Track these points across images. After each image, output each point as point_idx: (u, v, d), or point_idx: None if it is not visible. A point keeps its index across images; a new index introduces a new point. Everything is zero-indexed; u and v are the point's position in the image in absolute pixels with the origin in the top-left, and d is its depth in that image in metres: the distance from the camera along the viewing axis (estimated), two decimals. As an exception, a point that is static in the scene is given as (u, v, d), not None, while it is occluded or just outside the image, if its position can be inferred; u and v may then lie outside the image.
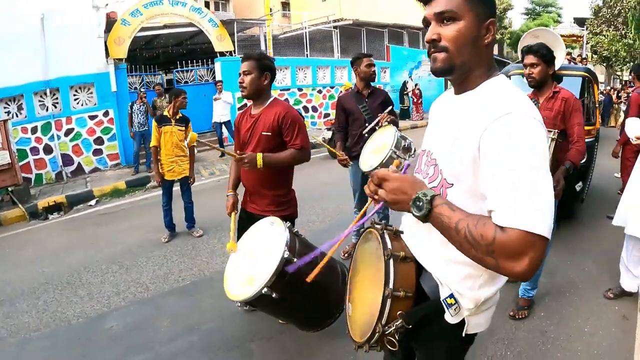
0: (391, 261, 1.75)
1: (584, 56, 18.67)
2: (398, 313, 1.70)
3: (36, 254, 7.19)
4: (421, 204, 1.50)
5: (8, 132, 10.09)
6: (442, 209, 1.49)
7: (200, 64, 17.01)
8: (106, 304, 5.19)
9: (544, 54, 4.01)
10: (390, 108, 4.98)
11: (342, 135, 5.54)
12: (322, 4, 37.90)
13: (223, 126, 14.73)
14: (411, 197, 1.54)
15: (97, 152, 13.65)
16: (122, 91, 14.04)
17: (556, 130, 3.78)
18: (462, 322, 1.76)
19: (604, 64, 26.57)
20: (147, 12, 14.87)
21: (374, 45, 23.39)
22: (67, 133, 13.02)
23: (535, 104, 3.60)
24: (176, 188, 7.16)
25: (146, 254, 6.65)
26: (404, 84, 20.94)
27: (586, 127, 5.90)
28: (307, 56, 19.85)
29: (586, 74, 6.78)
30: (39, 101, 12.76)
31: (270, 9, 21.13)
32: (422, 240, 1.80)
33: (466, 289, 1.70)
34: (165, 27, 17.04)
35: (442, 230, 1.52)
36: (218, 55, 16.69)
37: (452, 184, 1.65)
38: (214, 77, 16.76)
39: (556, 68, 5.89)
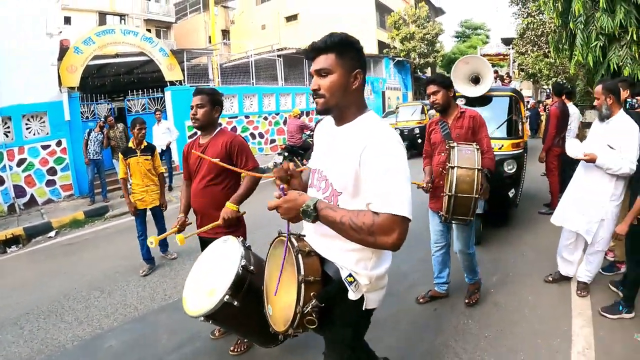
0: (299, 255, 2.25)
1: (510, 74, 19.93)
2: (311, 294, 2.20)
3: (5, 286, 7.12)
4: (309, 211, 2.05)
5: None
6: (326, 211, 2.06)
7: (149, 92, 17.08)
8: (98, 326, 5.19)
9: (442, 81, 4.56)
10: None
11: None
12: (261, 32, 38.61)
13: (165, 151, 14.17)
14: (299, 211, 2.08)
15: (50, 183, 13.36)
16: (75, 120, 13.92)
17: (478, 147, 4.27)
18: (362, 300, 2.29)
19: (531, 80, 28.33)
20: (99, 40, 14.88)
21: (315, 73, 24.08)
22: (19, 163, 12.62)
23: (444, 125, 4.63)
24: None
25: (125, 279, 6.72)
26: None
27: (515, 140, 7.11)
28: (253, 84, 20.32)
29: (513, 94, 7.55)
30: None
31: (218, 43, 21.35)
32: (321, 237, 2.31)
33: (361, 269, 2.24)
34: (117, 55, 17.18)
35: (331, 225, 2.07)
36: (168, 84, 16.86)
37: (341, 192, 2.20)
38: (164, 106, 16.92)
39: (485, 90, 7.04)
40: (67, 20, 29.79)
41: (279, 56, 22.25)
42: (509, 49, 22.79)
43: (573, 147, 4.79)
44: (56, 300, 6.14)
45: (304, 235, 2.47)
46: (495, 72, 18.87)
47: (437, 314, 4.86)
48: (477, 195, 3.99)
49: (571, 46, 9.24)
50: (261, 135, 20.33)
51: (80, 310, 5.75)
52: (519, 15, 25.53)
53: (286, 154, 13.18)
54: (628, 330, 4.27)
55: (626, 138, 4.36)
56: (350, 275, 2.24)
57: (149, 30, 33.10)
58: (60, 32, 14.47)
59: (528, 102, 24.64)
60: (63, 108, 13.40)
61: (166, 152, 13.74)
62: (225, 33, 44.11)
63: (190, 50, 19.38)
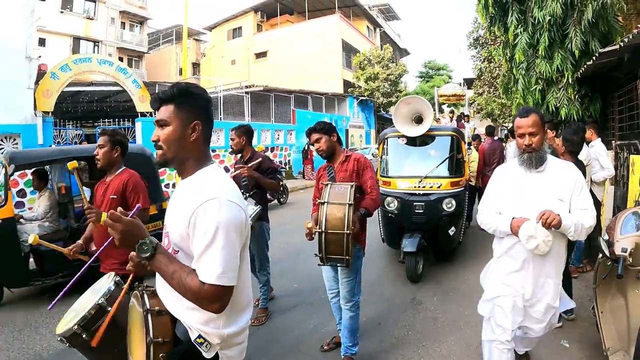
0: (149, 315, 2.10)
1: (466, 113, 20.78)
2: (160, 355, 2.04)
3: None
4: (146, 247, 1.91)
5: None
6: (163, 257, 1.94)
7: (120, 121, 17.48)
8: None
9: (322, 128, 4.53)
10: (255, 162, 5.52)
11: None
12: (231, 67, 39.32)
13: None
14: (137, 242, 1.91)
15: (19, 205, 12.81)
16: (48, 144, 13.98)
17: (353, 183, 4.18)
18: (217, 356, 2.12)
19: (489, 119, 29.58)
20: (76, 68, 15.31)
21: (281, 109, 25.30)
22: None
23: (330, 170, 4.58)
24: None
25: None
26: (306, 145, 22.40)
27: (454, 179, 7.32)
28: (220, 119, 20.88)
29: (454, 134, 7.83)
30: None
31: (189, 77, 21.77)
32: (170, 291, 2.04)
33: (211, 329, 2.06)
34: (92, 84, 17.84)
35: (162, 276, 1.97)
36: (139, 115, 17.25)
37: (178, 251, 2.06)
38: (134, 136, 17.20)
39: (425, 130, 7.40)
40: (42, 42, 30.26)
41: (246, 93, 22.96)
42: (464, 89, 23.65)
43: (526, 229, 3.27)
44: (29, 315, 6.23)
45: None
46: (452, 112, 19.97)
47: (380, 327, 5.44)
48: (348, 232, 3.80)
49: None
50: (227, 169, 20.36)
51: (54, 324, 5.32)
52: (477, 57, 27.14)
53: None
54: (555, 337, 4.86)
55: (580, 184, 3.42)
56: (199, 336, 2.08)
57: (121, 59, 33.98)
58: (40, 57, 15.05)
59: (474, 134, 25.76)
60: (37, 131, 13.73)
61: None
62: (196, 66, 44.90)
63: (161, 83, 20.11)
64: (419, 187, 7.23)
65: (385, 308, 6.01)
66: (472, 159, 10.20)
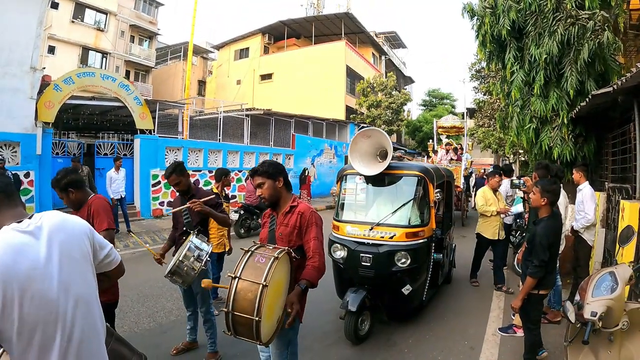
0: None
1: (464, 145, 20.67)
2: None
3: None
4: None
5: None
6: None
7: (120, 136, 17.86)
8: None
9: (266, 171, 3.85)
10: (208, 198, 5.18)
11: (172, 235, 5.65)
12: (236, 87, 39.64)
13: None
14: None
15: None
16: (46, 155, 14.26)
17: (284, 248, 3.44)
18: None
19: (490, 150, 29.66)
20: (79, 81, 15.54)
21: (281, 133, 25.38)
22: None
23: (272, 221, 3.95)
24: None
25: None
26: (304, 170, 22.25)
27: (412, 229, 6.26)
28: (219, 140, 21.04)
29: (420, 174, 6.70)
30: None
31: (192, 97, 21.90)
32: None
33: None
34: (93, 98, 17.95)
35: None
36: (138, 131, 17.46)
37: None
38: (132, 152, 17.51)
39: (382, 169, 6.36)
40: (52, 49, 30.61)
41: (247, 115, 23.15)
42: (463, 121, 23.61)
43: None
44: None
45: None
46: (449, 144, 20.05)
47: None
48: (258, 318, 3.05)
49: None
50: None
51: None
52: (478, 89, 27.27)
53: (242, 212, 13.74)
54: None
55: None
56: None
57: (128, 72, 34.31)
58: (44, 68, 15.29)
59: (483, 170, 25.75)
60: (36, 141, 13.79)
61: (123, 200, 14.11)
62: (202, 83, 45.21)
63: (163, 102, 20.24)
64: (369, 235, 6.29)
65: (357, 347, 5.79)
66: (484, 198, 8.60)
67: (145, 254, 11.00)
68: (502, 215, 8.41)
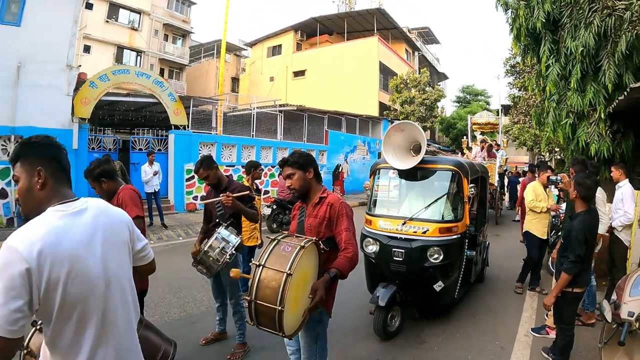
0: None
1: (499, 142, 20.16)
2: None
3: None
4: None
5: None
6: None
7: (154, 131, 18.10)
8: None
9: (296, 161, 3.76)
10: (242, 194, 5.19)
11: (203, 227, 5.68)
12: (269, 84, 39.75)
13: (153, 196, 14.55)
14: None
15: None
16: (82, 150, 14.63)
17: (312, 238, 3.35)
18: None
19: (526, 148, 29.02)
20: (114, 78, 15.93)
21: (314, 129, 25.26)
22: None
23: (301, 213, 3.88)
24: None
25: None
26: (337, 166, 22.23)
27: (446, 224, 6.14)
28: (252, 136, 21.13)
29: (454, 168, 6.52)
30: (2, 146, 13.31)
31: (225, 93, 21.97)
32: None
33: None
34: (128, 94, 18.32)
35: None
36: (173, 127, 17.72)
37: None
38: (167, 147, 17.81)
39: (415, 162, 6.28)
40: (87, 49, 31.20)
41: (280, 111, 23.05)
42: (498, 118, 23.10)
43: None
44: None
45: None
46: (484, 140, 19.59)
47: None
48: (280, 308, 2.96)
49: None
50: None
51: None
52: (513, 85, 26.70)
53: (274, 206, 13.81)
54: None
55: None
56: None
57: (162, 70, 34.84)
58: (80, 66, 15.66)
59: (522, 170, 24.96)
60: (72, 137, 14.13)
61: (157, 193, 14.37)
62: (235, 80, 45.43)
63: (197, 98, 20.46)
64: (401, 230, 6.17)
65: (386, 343, 5.70)
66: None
67: (178, 247, 11.30)
68: (552, 213, 8.18)
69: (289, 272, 3.00)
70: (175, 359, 2.82)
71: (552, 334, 5.66)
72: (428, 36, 51.72)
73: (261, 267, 3.11)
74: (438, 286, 5.96)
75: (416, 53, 47.77)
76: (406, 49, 45.10)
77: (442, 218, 6.26)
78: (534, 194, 8.05)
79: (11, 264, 1.70)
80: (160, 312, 6.77)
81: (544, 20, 8.69)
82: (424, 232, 6.06)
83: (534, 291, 7.97)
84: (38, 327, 2.59)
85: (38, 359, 2.23)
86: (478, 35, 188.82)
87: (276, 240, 3.29)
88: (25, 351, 2.55)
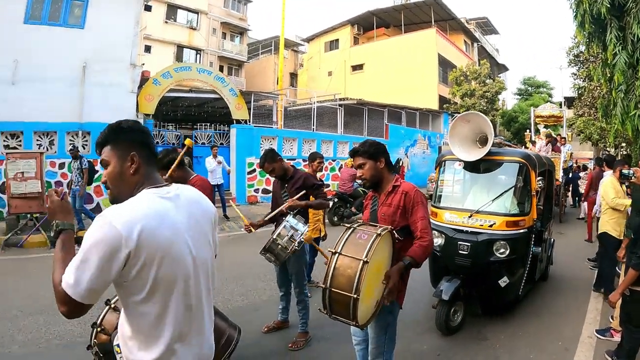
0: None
1: (563, 135, 19.36)
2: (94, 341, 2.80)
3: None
4: (54, 227, 2.02)
5: (42, 164, 11.25)
6: (60, 243, 1.99)
7: (216, 126, 18.48)
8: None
9: (366, 151, 3.68)
10: (300, 194, 5.21)
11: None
12: (327, 79, 39.71)
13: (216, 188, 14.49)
14: (54, 219, 2.05)
15: None
16: None
17: (387, 227, 3.30)
18: None
19: (590, 142, 27.95)
20: (176, 75, 16.51)
21: (374, 123, 24.97)
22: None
23: (374, 202, 3.78)
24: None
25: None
26: (398, 160, 22.04)
27: (511, 218, 5.90)
28: (313, 130, 21.16)
29: (522, 160, 6.29)
30: (70, 140, 14.18)
31: (285, 88, 22.12)
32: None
33: (124, 346, 2.05)
34: (191, 91, 18.89)
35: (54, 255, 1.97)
36: (234, 121, 18.08)
37: None
38: (229, 141, 18.17)
39: (482, 154, 6.12)
40: (148, 49, 32.09)
41: (340, 105, 22.94)
42: (562, 110, 22.19)
43: None
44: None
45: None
46: (549, 135, 18.86)
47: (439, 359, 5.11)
48: (356, 296, 2.92)
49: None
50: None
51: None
52: (577, 75, 25.86)
53: (335, 199, 13.70)
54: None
55: None
56: (118, 345, 2.18)
57: (221, 67, 35.59)
58: (143, 64, 16.36)
59: (582, 164, 23.84)
60: None
61: (221, 186, 14.62)
62: (293, 76, 45.67)
63: (257, 93, 20.83)
64: (467, 223, 6.03)
65: (448, 338, 5.58)
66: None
67: (240, 237, 11.53)
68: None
69: (365, 259, 2.96)
70: (238, 346, 2.89)
71: (617, 337, 5.36)
72: (487, 26, 50.35)
73: (337, 254, 3.08)
74: (503, 282, 5.78)
75: (475, 44, 46.61)
76: (465, 40, 44.10)
77: (509, 211, 6.05)
78: (614, 190, 7.31)
79: (109, 241, 1.74)
80: (223, 299, 6.87)
81: (608, 6, 8.22)
82: (491, 226, 5.88)
83: (599, 292, 7.42)
84: (112, 305, 2.78)
85: (111, 337, 2.45)
86: (539, 23, 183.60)
87: (352, 228, 3.25)
88: (98, 329, 2.72)
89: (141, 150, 2.08)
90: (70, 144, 14.11)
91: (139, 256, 1.80)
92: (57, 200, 2.09)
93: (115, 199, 2.05)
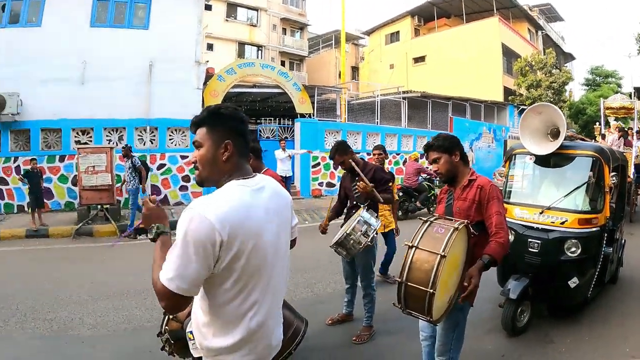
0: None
1: (635, 128, 18.28)
2: (165, 327, 2.86)
3: (135, 265, 8.62)
4: (152, 230, 2.09)
5: (112, 158, 12.15)
6: (159, 244, 2.05)
7: (280, 121, 18.77)
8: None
9: (441, 145, 3.65)
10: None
11: (335, 206, 5.83)
12: (389, 71, 39.40)
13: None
14: (151, 224, 2.12)
15: (183, 188, 15.77)
16: None
17: (464, 221, 3.24)
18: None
19: None
20: (240, 71, 17.10)
21: (438, 116, 24.53)
22: (159, 167, 15.23)
23: (449, 196, 3.75)
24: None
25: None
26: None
27: (584, 215, 5.61)
28: (377, 123, 21.09)
29: (595, 154, 5.93)
30: (138, 136, 15.18)
31: (347, 82, 22.12)
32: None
33: (198, 333, 2.11)
34: (254, 86, 19.24)
35: (154, 256, 2.04)
36: (298, 115, 18.30)
37: None
38: (293, 135, 18.34)
39: (554, 148, 5.81)
40: (210, 47, 32.82)
41: (404, 98, 22.78)
42: (632, 101, 21.04)
43: None
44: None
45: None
46: (622, 130, 17.93)
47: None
48: (432, 291, 2.88)
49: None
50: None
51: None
52: (648, 64, 24.52)
53: (400, 193, 13.42)
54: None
55: None
56: (191, 332, 2.23)
57: (283, 62, 36.08)
58: (207, 61, 17.16)
59: None
60: None
61: (288, 179, 14.84)
62: (355, 69, 45.57)
63: (320, 87, 21.00)
64: (538, 220, 5.76)
65: (513, 339, 5.38)
66: None
67: (304, 230, 11.31)
68: None
69: (442, 253, 2.93)
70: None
71: None
72: (550, 13, 48.39)
73: (414, 248, 3.06)
74: (572, 283, 5.48)
75: (539, 32, 44.89)
76: (528, 29, 42.61)
77: (582, 208, 5.72)
78: None
79: (202, 233, 1.78)
80: (288, 291, 6.63)
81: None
82: (562, 223, 5.59)
83: None
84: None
85: (184, 324, 2.55)
86: (605, 8, 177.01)
87: (428, 222, 3.23)
88: (170, 316, 2.79)
89: (236, 139, 2.08)
90: (139, 138, 15.06)
91: (230, 247, 1.83)
92: (153, 206, 2.17)
93: (202, 181, 2.14)
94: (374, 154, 7.52)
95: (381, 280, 7.22)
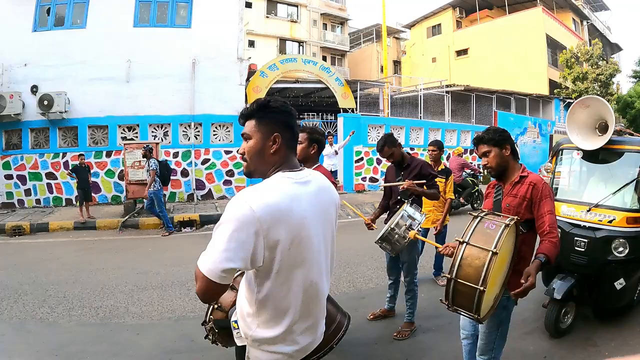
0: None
1: None
2: (211, 317, 2.88)
3: (180, 256, 8.79)
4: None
5: (158, 153, 12.57)
6: None
7: (323, 116, 19.22)
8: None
9: (492, 138, 3.56)
10: (419, 182, 5.21)
11: (382, 203, 5.80)
12: (431, 65, 39.01)
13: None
14: None
15: (227, 183, 16.12)
16: None
17: (514, 217, 3.15)
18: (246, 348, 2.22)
19: None
20: (282, 67, 17.27)
21: (482, 110, 24.09)
22: (203, 162, 15.58)
23: (498, 191, 3.64)
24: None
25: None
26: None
27: (633, 214, 5.34)
28: (420, 118, 20.88)
29: None
30: (183, 132, 15.81)
31: (390, 76, 22.02)
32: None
33: (243, 323, 2.14)
34: (297, 81, 19.46)
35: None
36: (341, 110, 18.34)
37: None
38: (336, 130, 18.39)
39: (603, 142, 5.52)
40: (251, 44, 33.28)
41: (447, 92, 22.47)
42: None
43: None
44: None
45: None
46: None
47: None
48: (482, 288, 2.82)
49: None
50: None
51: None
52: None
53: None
54: None
55: None
56: (235, 321, 2.26)
57: (324, 57, 36.35)
58: (249, 58, 17.41)
59: None
60: None
61: (334, 173, 14.80)
62: (396, 63, 45.30)
63: (363, 81, 20.93)
64: (585, 217, 5.52)
65: (554, 341, 5.21)
66: None
67: (348, 224, 11.77)
68: None
69: (494, 250, 2.85)
70: None
71: None
72: (596, 2, 46.77)
73: (465, 244, 2.99)
74: (619, 284, 5.26)
75: (584, 22, 43.47)
76: (573, 19, 41.27)
77: (631, 206, 5.44)
78: None
79: (244, 220, 1.80)
80: (330, 285, 6.67)
81: None
82: (610, 221, 5.34)
83: None
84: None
85: (229, 313, 2.61)
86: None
87: (479, 217, 3.15)
88: (215, 305, 2.83)
89: (285, 132, 2.10)
90: (184, 134, 15.54)
91: (272, 238, 1.85)
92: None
93: (249, 173, 2.16)
94: (428, 150, 7.47)
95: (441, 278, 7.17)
